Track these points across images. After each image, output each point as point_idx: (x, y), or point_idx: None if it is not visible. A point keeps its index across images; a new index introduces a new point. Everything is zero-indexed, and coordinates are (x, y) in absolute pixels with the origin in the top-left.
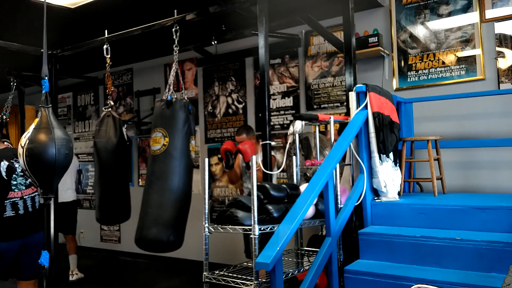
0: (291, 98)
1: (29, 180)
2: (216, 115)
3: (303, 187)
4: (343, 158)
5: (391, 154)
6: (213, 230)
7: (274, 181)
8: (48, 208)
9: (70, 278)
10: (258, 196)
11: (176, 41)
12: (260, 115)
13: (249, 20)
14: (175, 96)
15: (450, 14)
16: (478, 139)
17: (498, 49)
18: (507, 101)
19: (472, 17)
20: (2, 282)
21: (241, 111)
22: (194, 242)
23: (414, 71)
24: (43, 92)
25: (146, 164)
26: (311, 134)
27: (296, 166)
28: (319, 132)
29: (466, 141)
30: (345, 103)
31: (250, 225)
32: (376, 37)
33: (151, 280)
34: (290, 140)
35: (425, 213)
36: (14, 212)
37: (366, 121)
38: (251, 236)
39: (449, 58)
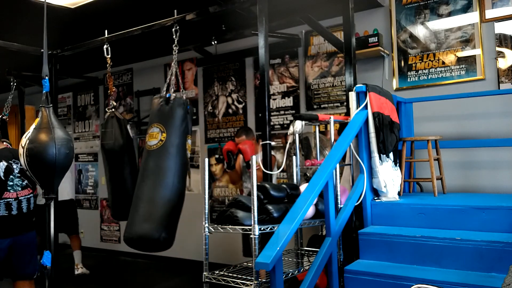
0: (291, 98)
1: (26, 181)
2: (216, 115)
3: (303, 187)
4: (343, 158)
5: (391, 154)
6: (213, 230)
7: (274, 181)
8: (49, 208)
9: (76, 272)
10: (258, 196)
11: (176, 41)
12: (260, 115)
13: (249, 20)
14: (174, 94)
15: (450, 14)
16: (478, 139)
17: (498, 49)
18: (507, 101)
19: (472, 17)
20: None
21: (241, 111)
22: (194, 242)
23: (414, 71)
24: (44, 92)
25: None
26: (311, 134)
27: (296, 166)
28: (319, 132)
29: (466, 141)
30: (345, 103)
31: (250, 225)
32: (376, 37)
33: (151, 280)
34: (290, 140)
35: (425, 213)
36: (7, 212)
37: (366, 121)
38: (251, 236)
39: (449, 58)
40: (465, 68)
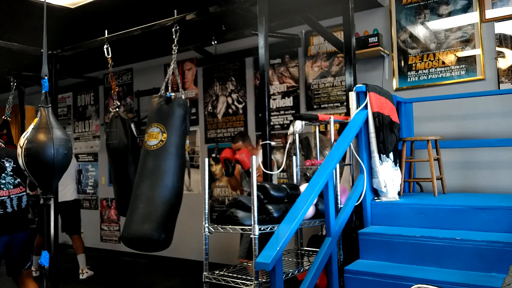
0: (291, 98)
1: (18, 179)
2: (216, 115)
3: (303, 187)
4: (343, 158)
5: (391, 154)
6: (213, 230)
7: (274, 182)
8: (48, 208)
9: (81, 277)
10: (258, 196)
11: (175, 41)
12: (260, 115)
13: (249, 20)
14: (174, 94)
15: (450, 14)
16: (478, 139)
17: (498, 49)
18: (507, 101)
19: (472, 17)
20: (2, 282)
21: (241, 111)
22: (194, 242)
23: (414, 71)
24: (43, 92)
25: None
26: (311, 134)
27: (296, 166)
28: (319, 132)
29: (466, 141)
30: (345, 103)
31: (250, 225)
32: (376, 37)
33: (151, 280)
34: (290, 140)
35: (425, 213)
36: (2, 210)
37: (366, 121)
38: (251, 236)
39: (449, 58)
40: (465, 68)
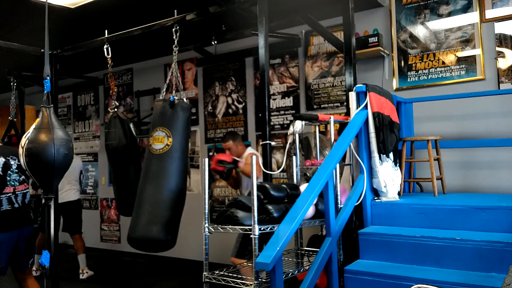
0: (291, 98)
1: (23, 177)
2: (216, 115)
3: (303, 187)
4: (343, 158)
5: (391, 154)
6: (213, 230)
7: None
8: (49, 208)
9: (81, 277)
10: (258, 196)
11: (176, 41)
12: (260, 115)
13: (249, 20)
14: (177, 97)
15: (450, 14)
16: (478, 139)
17: (498, 49)
18: (507, 101)
19: (472, 17)
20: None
21: (241, 111)
22: (194, 242)
23: (414, 71)
24: (45, 92)
25: None
26: (311, 134)
27: (296, 166)
28: (319, 132)
29: (466, 141)
30: (345, 103)
31: (250, 225)
32: (376, 37)
33: (151, 280)
34: (290, 140)
35: (425, 213)
36: (10, 205)
37: (366, 121)
38: (251, 236)
39: (449, 58)
40: (465, 68)
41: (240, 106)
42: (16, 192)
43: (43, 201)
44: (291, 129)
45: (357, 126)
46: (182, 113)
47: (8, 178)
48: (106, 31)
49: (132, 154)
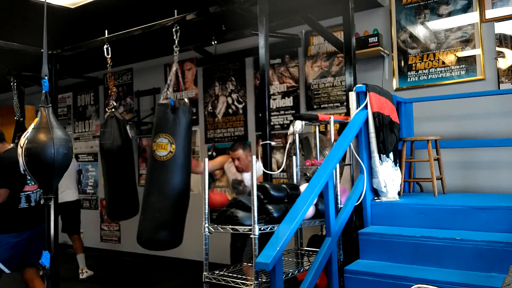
0: (291, 98)
1: None
2: (216, 115)
3: (303, 187)
4: (343, 158)
5: (391, 154)
6: (213, 230)
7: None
8: (49, 208)
9: (81, 277)
10: (258, 196)
11: (176, 41)
12: (260, 115)
13: (249, 20)
14: (177, 99)
15: (450, 14)
16: (478, 139)
17: (498, 49)
18: (507, 101)
19: (472, 17)
20: (3, 280)
21: (241, 111)
22: (194, 242)
23: (414, 71)
24: (43, 92)
25: (146, 164)
26: (311, 134)
27: (296, 166)
28: (319, 132)
29: (466, 141)
30: (345, 103)
31: (250, 225)
32: (376, 37)
33: (151, 280)
34: (290, 140)
35: (425, 213)
36: (27, 204)
37: (366, 121)
38: (251, 236)
39: (449, 58)
40: (465, 68)
41: (240, 106)
42: (34, 191)
43: (42, 201)
44: (291, 129)
45: (357, 126)
46: (184, 118)
47: (29, 177)
48: (106, 31)
49: (126, 156)
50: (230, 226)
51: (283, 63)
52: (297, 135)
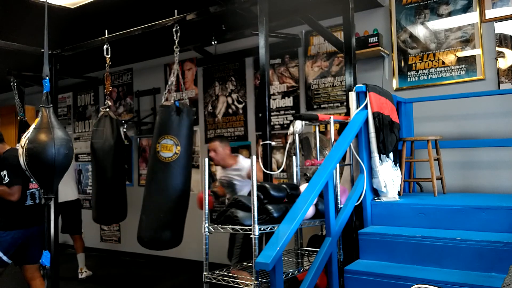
0: (291, 98)
1: None
2: (216, 115)
3: (303, 187)
4: (343, 158)
5: (391, 154)
6: (213, 230)
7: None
8: (49, 208)
9: (80, 276)
10: (258, 196)
11: (176, 42)
12: (260, 115)
13: (249, 20)
14: (179, 101)
15: (450, 14)
16: (478, 139)
17: (498, 49)
18: (507, 101)
19: (472, 17)
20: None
21: (241, 111)
22: (194, 242)
23: (414, 71)
24: (44, 92)
25: (146, 164)
26: (311, 134)
27: (296, 166)
28: (319, 132)
29: (466, 141)
30: (345, 103)
31: (250, 225)
32: (376, 37)
33: (151, 280)
34: (290, 140)
35: (425, 213)
36: (32, 201)
37: (366, 121)
38: (251, 236)
39: (449, 58)
40: (465, 68)
41: (240, 106)
42: (37, 188)
43: (42, 201)
44: (291, 129)
45: (357, 126)
46: (187, 120)
47: None
48: (106, 31)
49: (117, 157)
50: (230, 226)
51: (283, 63)
52: (297, 135)
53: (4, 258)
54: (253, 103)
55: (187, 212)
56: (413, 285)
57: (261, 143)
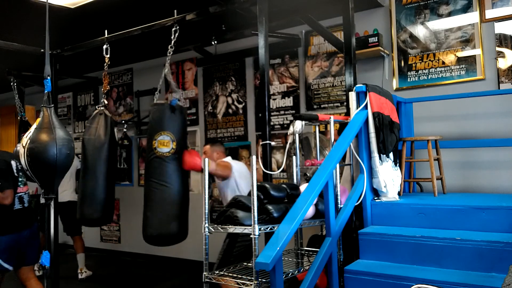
0: (291, 98)
1: (25, 178)
2: (216, 115)
3: (303, 187)
4: (343, 158)
5: (391, 154)
6: (213, 230)
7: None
8: (49, 208)
9: (80, 276)
10: (258, 196)
11: (173, 42)
12: (260, 115)
13: (249, 20)
14: (178, 100)
15: (450, 14)
16: (478, 139)
17: (498, 49)
18: (507, 101)
19: (472, 17)
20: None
21: (241, 111)
22: (194, 242)
23: (414, 71)
24: (45, 92)
25: None
26: (311, 134)
27: (296, 166)
28: (319, 132)
29: (466, 141)
30: (345, 103)
31: (250, 225)
32: (376, 37)
33: (151, 280)
34: (290, 140)
35: (425, 213)
36: (21, 205)
37: (366, 121)
38: (251, 236)
39: (449, 58)
40: (465, 68)
41: (240, 106)
42: (26, 192)
43: (43, 201)
44: (291, 129)
45: (357, 126)
46: (181, 116)
47: (20, 179)
48: (106, 31)
49: (108, 156)
50: (230, 226)
51: (283, 63)
52: (297, 135)
53: (5, 265)
54: (253, 103)
55: (188, 205)
56: (413, 285)
57: (261, 143)
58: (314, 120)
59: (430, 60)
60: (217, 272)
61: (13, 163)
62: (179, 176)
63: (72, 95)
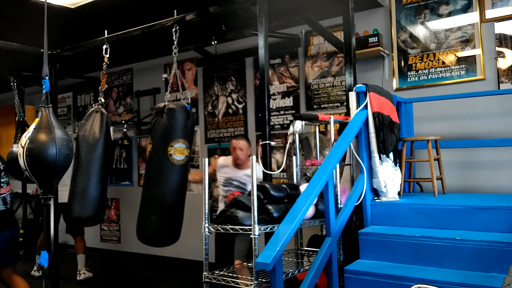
0: (291, 98)
1: (8, 179)
2: (216, 115)
3: (303, 187)
4: (343, 158)
5: (391, 154)
6: (213, 230)
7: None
8: (48, 209)
9: (78, 278)
10: (258, 196)
11: (175, 42)
12: (260, 115)
13: (249, 20)
14: (184, 101)
15: (450, 14)
16: (478, 139)
17: (498, 49)
18: (507, 101)
19: (472, 17)
20: None
21: (241, 111)
22: (194, 242)
23: (414, 71)
24: (44, 92)
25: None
26: (311, 134)
27: (296, 166)
28: (319, 132)
29: (466, 141)
30: (345, 103)
31: (250, 225)
32: (376, 37)
33: (151, 280)
34: (290, 140)
35: (425, 213)
36: (4, 206)
37: (366, 121)
38: (251, 236)
39: (449, 58)
40: (465, 68)
41: (240, 106)
42: (7, 193)
43: (41, 201)
44: (291, 129)
45: (357, 126)
46: (192, 123)
47: (2, 180)
48: (106, 31)
49: (102, 154)
50: (230, 226)
51: (283, 63)
52: (297, 135)
53: None
54: (253, 103)
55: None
56: (413, 285)
57: (261, 143)
58: (314, 120)
59: (430, 60)
60: (217, 272)
61: None
62: (186, 182)
63: (72, 95)
